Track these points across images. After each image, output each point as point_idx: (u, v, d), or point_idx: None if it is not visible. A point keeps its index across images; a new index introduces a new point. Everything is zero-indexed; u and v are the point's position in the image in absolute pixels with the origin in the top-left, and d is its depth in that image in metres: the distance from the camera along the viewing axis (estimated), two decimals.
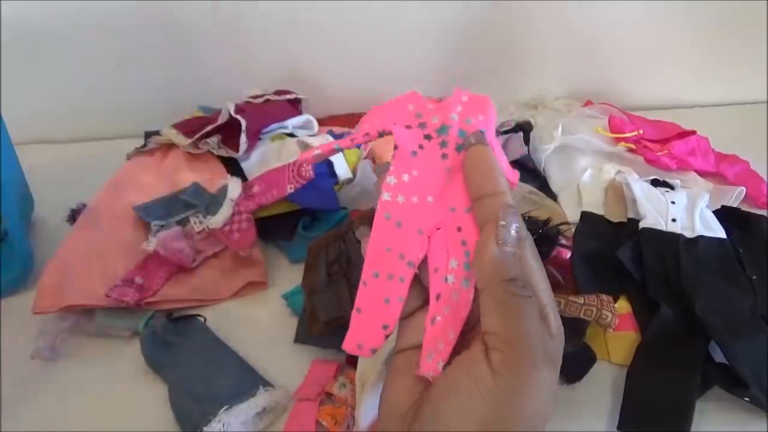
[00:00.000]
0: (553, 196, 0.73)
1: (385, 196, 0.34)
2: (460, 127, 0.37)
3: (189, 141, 0.75)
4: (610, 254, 0.61)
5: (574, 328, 0.52)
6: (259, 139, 0.77)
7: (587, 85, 0.92)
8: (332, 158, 0.72)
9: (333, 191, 0.70)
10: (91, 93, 0.92)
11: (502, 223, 0.28)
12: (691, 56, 0.90)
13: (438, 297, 0.34)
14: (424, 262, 0.34)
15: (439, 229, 0.34)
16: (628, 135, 0.75)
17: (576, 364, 0.52)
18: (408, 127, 0.37)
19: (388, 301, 0.33)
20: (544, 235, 0.55)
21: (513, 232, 0.28)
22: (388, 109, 0.40)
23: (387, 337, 0.33)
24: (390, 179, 0.34)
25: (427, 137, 0.37)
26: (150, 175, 0.75)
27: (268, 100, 0.81)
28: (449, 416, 0.26)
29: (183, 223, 0.67)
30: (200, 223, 0.67)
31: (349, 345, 0.33)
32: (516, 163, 0.77)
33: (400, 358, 0.32)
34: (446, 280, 0.34)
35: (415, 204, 0.35)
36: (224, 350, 0.56)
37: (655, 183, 0.70)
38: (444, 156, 0.35)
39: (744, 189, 0.70)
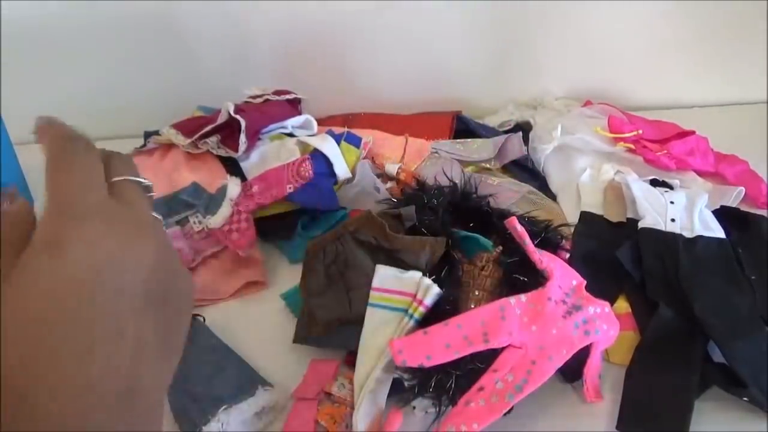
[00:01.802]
0: (553, 196, 0.73)
1: (517, 311, 0.48)
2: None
3: (188, 141, 0.75)
4: (609, 254, 0.61)
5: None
6: (259, 139, 0.77)
7: (587, 85, 0.92)
8: (331, 158, 0.72)
9: (332, 191, 0.70)
10: (91, 93, 0.92)
11: None
12: (691, 56, 0.90)
13: (481, 389, 0.45)
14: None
15: (520, 348, 0.46)
16: (627, 135, 0.75)
17: (575, 364, 0.52)
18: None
19: (449, 346, 0.45)
20: (545, 239, 0.55)
21: None
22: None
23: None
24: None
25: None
26: (149, 175, 0.75)
27: (267, 100, 0.81)
28: None
29: (182, 222, 0.67)
30: (199, 222, 0.67)
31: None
32: (515, 163, 0.77)
33: None
34: (497, 382, 0.45)
35: (524, 323, 0.47)
36: (223, 350, 0.56)
37: (655, 183, 0.70)
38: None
39: (743, 189, 0.70)
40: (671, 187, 0.70)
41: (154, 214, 0.27)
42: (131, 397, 0.24)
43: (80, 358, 0.23)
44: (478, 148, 0.77)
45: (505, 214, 0.56)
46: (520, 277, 0.51)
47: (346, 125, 0.83)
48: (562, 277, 0.51)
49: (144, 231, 0.26)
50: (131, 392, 0.24)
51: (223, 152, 0.74)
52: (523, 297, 0.48)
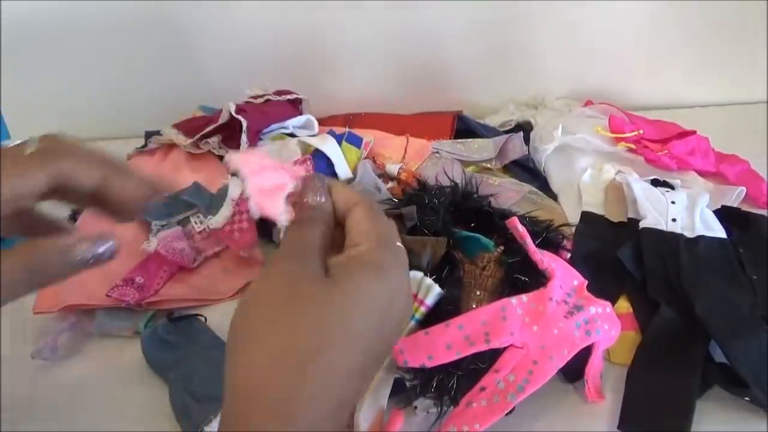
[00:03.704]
0: (554, 196, 0.73)
1: (519, 311, 0.48)
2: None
3: (189, 141, 0.76)
4: (610, 254, 0.61)
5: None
6: (260, 139, 0.77)
7: (587, 85, 0.92)
8: (332, 158, 0.72)
9: None
10: (91, 93, 0.92)
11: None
12: (692, 56, 0.90)
13: (483, 389, 0.45)
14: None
15: (521, 348, 0.46)
16: (628, 135, 0.75)
17: (576, 364, 0.52)
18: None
19: (450, 347, 0.44)
20: (547, 239, 0.55)
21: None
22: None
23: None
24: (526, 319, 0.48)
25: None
26: None
27: (268, 100, 0.81)
28: None
29: (183, 223, 0.67)
30: (201, 222, 0.67)
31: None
32: (516, 163, 0.77)
33: None
34: (498, 383, 0.45)
35: (526, 323, 0.47)
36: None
37: (655, 183, 0.70)
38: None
39: (744, 189, 0.70)
40: (672, 187, 0.70)
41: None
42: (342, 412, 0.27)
43: (351, 376, 0.26)
44: (479, 148, 0.77)
45: (506, 214, 0.56)
46: (522, 277, 0.51)
47: (347, 125, 0.83)
48: (564, 277, 0.51)
49: (409, 291, 0.32)
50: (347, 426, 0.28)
51: (224, 152, 0.75)
52: (524, 297, 0.48)
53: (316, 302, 0.26)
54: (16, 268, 0.29)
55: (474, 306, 0.51)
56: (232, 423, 0.25)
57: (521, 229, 0.51)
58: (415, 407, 0.49)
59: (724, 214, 0.66)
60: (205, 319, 0.59)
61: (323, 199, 0.32)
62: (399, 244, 0.31)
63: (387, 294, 0.28)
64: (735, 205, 0.69)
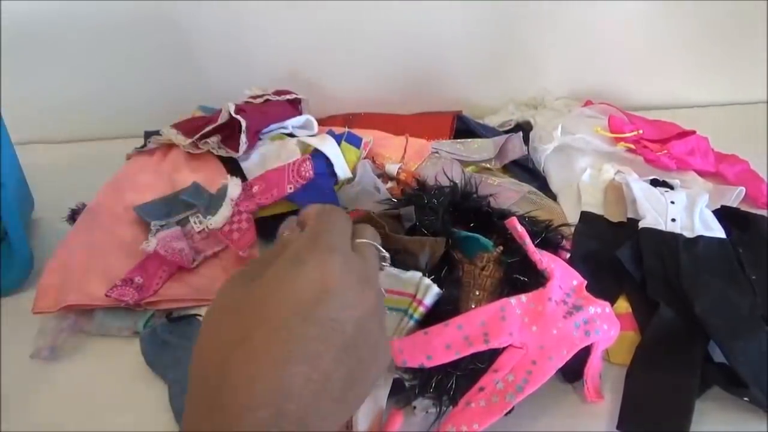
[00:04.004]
0: (553, 196, 0.73)
1: (518, 311, 0.47)
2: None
3: (189, 141, 0.76)
4: (609, 254, 0.61)
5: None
6: (259, 139, 0.77)
7: (587, 85, 0.92)
8: (332, 158, 0.72)
9: (333, 191, 0.70)
10: (91, 93, 0.92)
11: None
12: (691, 56, 0.90)
13: (482, 389, 0.45)
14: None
15: (520, 348, 0.46)
16: (627, 135, 0.75)
17: (575, 364, 0.52)
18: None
19: (449, 347, 0.45)
20: (546, 239, 0.55)
21: None
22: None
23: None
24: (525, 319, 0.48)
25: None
26: (150, 175, 0.75)
27: (268, 100, 0.81)
28: None
29: (183, 223, 0.67)
30: (200, 223, 0.67)
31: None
32: (516, 163, 0.77)
33: None
34: (497, 383, 0.45)
35: (525, 323, 0.47)
36: None
37: (655, 183, 0.70)
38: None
39: (744, 189, 0.70)
40: (672, 187, 0.70)
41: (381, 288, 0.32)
42: (302, 426, 0.26)
43: (274, 366, 0.26)
44: (479, 148, 0.77)
45: (505, 214, 0.56)
46: (521, 277, 0.51)
47: (346, 125, 0.83)
48: (563, 277, 0.51)
49: (370, 285, 0.30)
50: (303, 422, 0.26)
51: (223, 152, 0.75)
52: (523, 297, 0.48)
53: (239, 299, 0.28)
54: None
55: (473, 306, 0.51)
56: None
57: (520, 229, 0.51)
58: (414, 407, 0.49)
59: (723, 214, 0.66)
60: None
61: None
62: (342, 240, 0.31)
63: (305, 285, 0.28)
64: (734, 205, 0.69)
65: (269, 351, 0.26)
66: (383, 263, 0.35)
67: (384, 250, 0.35)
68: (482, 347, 0.45)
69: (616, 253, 0.60)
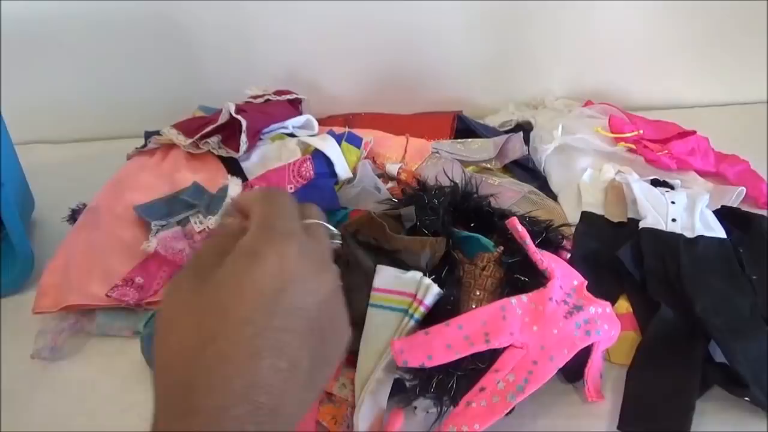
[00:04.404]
0: (553, 196, 0.73)
1: (518, 311, 0.47)
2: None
3: (189, 141, 0.75)
4: (610, 254, 0.61)
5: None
6: (260, 139, 0.77)
7: (587, 85, 0.92)
8: (332, 158, 0.72)
9: (333, 191, 0.70)
10: (91, 93, 0.92)
11: None
12: (691, 56, 0.90)
13: (482, 389, 0.45)
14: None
15: (521, 348, 0.46)
16: (628, 135, 0.75)
17: (576, 364, 0.52)
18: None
19: (450, 347, 0.44)
20: (547, 239, 0.55)
21: None
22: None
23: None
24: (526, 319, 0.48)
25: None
26: (150, 175, 0.75)
27: (268, 100, 0.81)
28: None
29: (183, 223, 0.67)
30: (201, 223, 0.67)
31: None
32: (516, 163, 0.77)
33: None
34: (498, 383, 0.45)
35: (525, 323, 0.47)
36: None
37: (655, 183, 0.70)
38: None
39: (744, 189, 0.70)
40: (672, 187, 0.70)
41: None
42: (275, 415, 0.26)
43: (244, 363, 0.26)
44: (479, 148, 0.77)
45: (506, 214, 0.56)
46: (521, 277, 0.51)
47: (346, 125, 0.83)
48: (563, 277, 0.51)
49: (327, 267, 0.30)
50: (276, 411, 0.26)
51: (224, 152, 0.74)
52: (524, 297, 0.48)
53: (195, 300, 0.27)
54: None
55: (474, 306, 0.51)
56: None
57: (521, 229, 0.51)
58: (415, 407, 0.49)
59: (723, 214, 0.66)
60: None
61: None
62: (293, 225, 0.30)
63: (265, 278, 0.27)
64: (735, 205, 0.69)
65: (238, 349, 0.26)
66: (334, 240, 0.34)
67: (332, 228, 0.34)
68: (483, 347, 0.45)
69: (616, 253, 0.60)
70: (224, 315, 0.26)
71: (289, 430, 0.27)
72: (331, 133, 0.76)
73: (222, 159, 0.75)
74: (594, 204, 0.69)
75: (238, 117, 0.72)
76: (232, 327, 0.26)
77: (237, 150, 0.73)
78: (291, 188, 0.67)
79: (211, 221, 0.66)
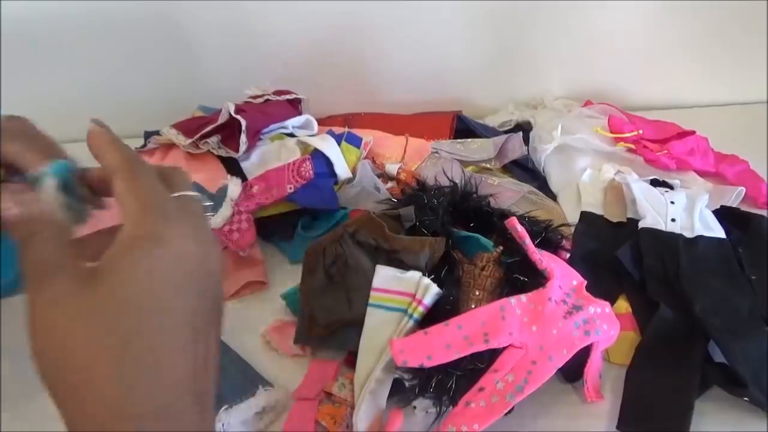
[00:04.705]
0: (553, 196, 0.73)
1: (518, 311, 0.47)
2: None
3: (189, 141, 0.75)
4: (609, 254, 0.61)
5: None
6: (259, 139, 0.77)
7: (587, 85, 0.92)
8: (332, 158, 0.72)
9: (333, 191, 0.70)
10: (91, 93, 0.92)
11: None
12: (691, 56, 0.90)
13: (482, 389, 0.45)
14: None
15: (520, 348, 0.46)
16: (627, 135, 0.75)
17: (575, 364, 0.52)
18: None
19: (449, 347, 0.44)
20: (546, 239, 0.55)
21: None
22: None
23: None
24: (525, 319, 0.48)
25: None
26: None
27: (267, 100, 0.81)
28: None
29: None
30: None
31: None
32: (516, 163, 0.77)
33: None
34: (497, 383, 0.45)
35: (524, 323, 0.47)
36: (224, 350, 0.56)
37: (655, 183, 0.70)
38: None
39: (744, 189, 0.70)
40: (671, 187, 0.70)
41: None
42: (203, 400, 0.26)
43: (176, 356, 0.25)
44: (479, 148, 0.77)
45: (505, 214, 0.56)
46: (521, 277, 0.51)
47: (346, 125, 0.83)
48: (563, 277, 0.51)
49: (213, 240, 0.29)
50: (207, 393, 0.26)
51: (223, 152, 0.74)
52: (523, 297, 0.48)
53: (82, 311, 0.25)
54: None
55: (473, 306, 0.51)
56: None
57: (520, 229, 0.51)
58: (414, 407, 0.49)
59: (723, 214, 0.66)
60: None
61: (12, 207, 0.28)
62: (177, 194, 0.28)
63: (175, 265, 0.26)
64: (734, 205, 0.69)
65: (166, 342, 0.25)
66: (206, 205, 0.31)
67: (199, 194, 0.31)
68: (482, 347, 0.45)
69: (616, 253, 0.60)
70: (138, 311, 0.24)
71: (211, 410, 0.27)
72: (331, 133, 0.76)
73: (222, 159, 0.75)
74: (593, 204, 0.69)
75: (238, 117, 0.72)
76: (151, 320, 0.24)
77: (237, 150, 0.73)
78: (290, 188, 0.67)
79: (211, 221, 0.66)
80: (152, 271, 0.25)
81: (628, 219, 0.66)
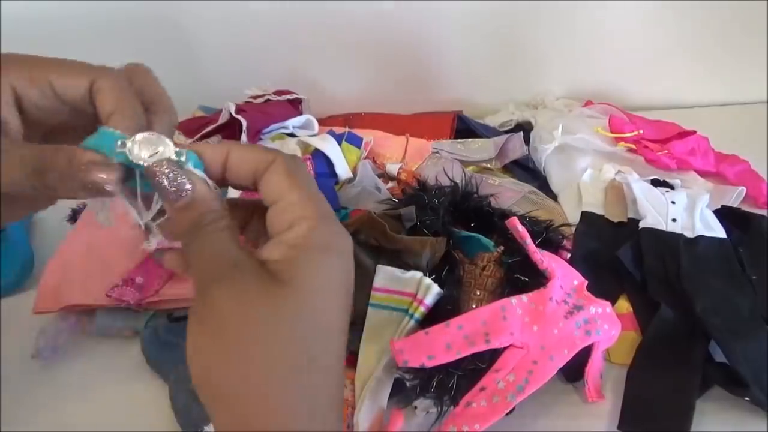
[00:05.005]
0: (554, 196, 0.73)
1: (519, 311, 0.47)
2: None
3: (189, 141, 0.75)
4: (610, 254, 0.61)
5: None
6: (260, 139, 0.77)
7: (587, 85, 0.92)
8: (333, 158, 0.72)
9: (333, 191, 0.70)
10: None
11: None
12: (691, 56, 0.90)
13: (483, 389, 0.45)
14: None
15: (521, 348, 0.46)
16: (628, 135, 0.75)
17: (576, 364, 0.52)
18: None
19: (450, 347, 0.44)
20: (547, 239, 0.55)
21: None
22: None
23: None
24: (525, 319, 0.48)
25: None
26: None
27: (268, 100, 0.81)
28: None
29: None
30: None
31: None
32: (516, 163, 0.77)
33: None
34: (498, 383, 0.45)
35: (526, 323, 0.47)
36: None
37: (655, 183, 0.70)
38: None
39: (744, 189, 0.70)
40: (672, 187, 0.70)
41: None
42: (340, 410, 0.26)
43: (339, 373, 0.25)
44: (479, 148, 0.77)
45: (506, 214, 0.56)
46: (522, 277, 0.51)
47: (346, 125, 0.83)
48: (564, 277, 0.51)
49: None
50: (340, 405, 0.26)
51: None
52: (524, 297, 0.48)
53: (267, 311, 0.24)
54: (24, 162, 0.25)
55: (474, 306, 0.51)
56: None
57: (521, 229, 0.51)
58: (415, 407, 0.49)
59: (723, 214, 0.66)
60: None
61: (189, 187, 0.26)
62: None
63: (346, 276, 0.26)
64: (735, 205, 0.69)
65: (334, 360, 0.25)
66: None
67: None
68: (483, 347, 0.45)
69: (616, 253, 0.60)
70: (315, 322, 0.24)
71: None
72: (331, 133, 0.76)
73: None
74: (594, 204, 0.69)
75: (239, 117, 0.72)
76: (327, 336, 0.24)
77: None
78: None
79: None
80: (331, 285, 0.25)
81: (628, 219, 0.66)
